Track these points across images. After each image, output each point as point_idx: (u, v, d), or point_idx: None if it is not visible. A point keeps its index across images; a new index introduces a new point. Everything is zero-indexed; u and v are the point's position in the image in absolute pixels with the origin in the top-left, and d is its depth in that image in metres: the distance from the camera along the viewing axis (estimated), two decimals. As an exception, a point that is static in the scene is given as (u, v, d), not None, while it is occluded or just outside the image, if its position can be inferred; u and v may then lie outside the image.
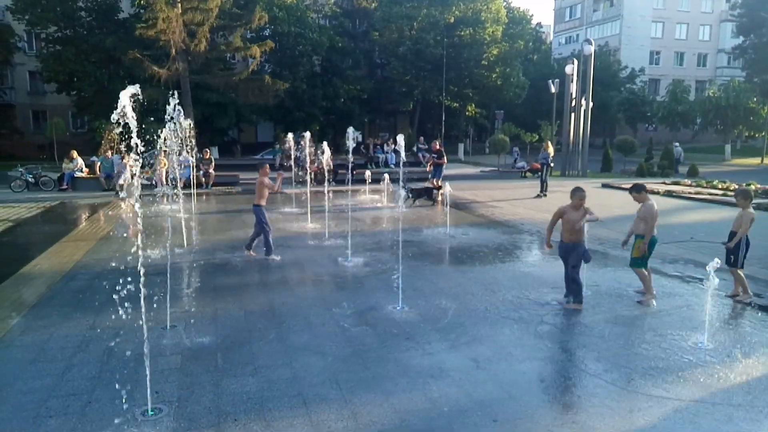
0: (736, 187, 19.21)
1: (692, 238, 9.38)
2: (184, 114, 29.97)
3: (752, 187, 19.31)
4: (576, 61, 26.22)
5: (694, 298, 7.25)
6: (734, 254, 7.13)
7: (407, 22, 41.08)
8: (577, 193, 6.65)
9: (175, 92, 9.80)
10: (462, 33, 41.52)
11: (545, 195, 18.03)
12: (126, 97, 4.05)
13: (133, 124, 4.13)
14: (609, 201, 16.09)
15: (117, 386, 4.55)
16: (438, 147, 18.33)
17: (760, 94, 41.95)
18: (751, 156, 40.68)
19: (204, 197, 17.79)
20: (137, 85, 4.17)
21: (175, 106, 8.49)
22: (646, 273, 7.10)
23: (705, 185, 20.58)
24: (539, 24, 62.44)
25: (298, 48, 37.89)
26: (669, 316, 6.62)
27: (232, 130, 42.22)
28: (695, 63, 61.52)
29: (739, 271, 7.19)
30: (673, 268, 8.81)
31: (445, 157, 18.15)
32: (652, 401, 4.55)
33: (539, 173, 19.38)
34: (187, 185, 17.51)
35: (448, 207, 13.07)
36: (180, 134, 12.01)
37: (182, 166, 18.42)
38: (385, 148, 29.58)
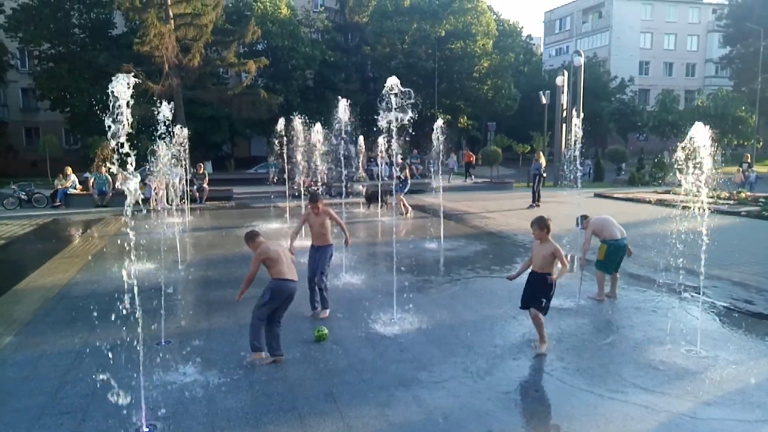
0: (726, 195, 19.42)
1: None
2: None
3: (743, 194, 19.51)
4: (566, 73, 26.56)
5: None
6: (545, 296, 5.67)
7: (399, 36, 41.48)
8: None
9: (172, 104, 9.82)
10: (453, 46, 41.98)
11: (538, 205, 18.13)
12: (120, 85, 3.95)
13: (126, 116, 4.05)
14: (601, 210, 16.17)
15: (111, 403, 4.53)
16: (402, 161, 18.47)
17: (747, 102, 42.53)
18: (740, 164, 41.10)
19: (198, 212, 17.77)
20: (131, 75, 4.09)
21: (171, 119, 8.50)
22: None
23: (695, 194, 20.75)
24: (530, 36, 63.18)
25: (291, 62, 38.15)
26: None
27: (226, 144, 42.31)
28: (684, 73, 62.35)
29: (541, 316, 5.73)
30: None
31: (408, 172, 18.33)
32: (645, 410, 4.57)
33: (530, 184, 19.47)
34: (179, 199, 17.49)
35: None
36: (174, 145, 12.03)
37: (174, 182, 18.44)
38: (379, 161, 29.71)
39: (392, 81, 6.89)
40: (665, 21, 61.08)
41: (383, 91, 6.79)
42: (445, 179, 26.98)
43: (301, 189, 15.92)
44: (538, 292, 5.68)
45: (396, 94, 6.73)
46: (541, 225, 5.66)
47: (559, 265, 5.63)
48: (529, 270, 5.86)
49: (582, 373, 5.29)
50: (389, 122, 7.08)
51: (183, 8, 28.13)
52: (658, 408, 4.58)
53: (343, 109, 11.63)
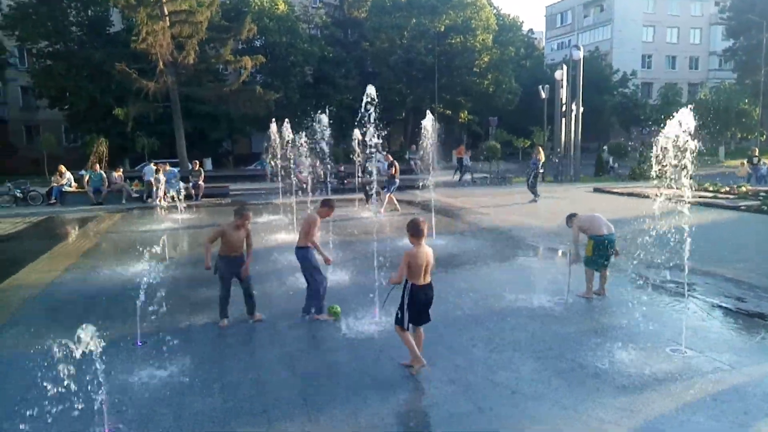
0: (728, 189, 19.14)
1: None
2: (174, 126, 29.96)
3: (743, 189, 19.23)
4: (565, 67, 26.26)
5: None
6: (400, 306, 5.07)
7: (398, 32, 41.25)
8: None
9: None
10: (452, 41, 41.70)
11: (535, 201, 17.96)
12: None
13: None
14: (599, 205, 16.01)
15: (76, 406, 4.42)
16: (390, 159, 17.35)
17: (751, 95, 42.08)
18: (745, 157, 40.72)
19: (193, 209, 17.66)
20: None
21: None
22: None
23: (697, 188, 20.50)
24: (531, 30, 62.75)
25: (290, 58, 37.96)
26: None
27: (226, 141, 42.21)
28: (687, 66, 61.82)
29: (403, 332, 5.05)
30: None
31: (397, 169, 16.72)
32: (625, 413, 4.43)
33: (527, 179, 19.18)
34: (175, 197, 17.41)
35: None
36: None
37: (171, 180, 18.39)
38: (377, 156, 29.53)
39: (370, 90, 7.01)
40: (668, 14, 60.53)
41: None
42: (450, 176, 26.72)
43: (294, 185, 15.80)
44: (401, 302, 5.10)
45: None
46: (408, 230, 5.12)
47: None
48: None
49: (562, 374, 5.14)
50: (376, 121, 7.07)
51: (178, 5, 27.94)
52: (637, 410, 4.44)
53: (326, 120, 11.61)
